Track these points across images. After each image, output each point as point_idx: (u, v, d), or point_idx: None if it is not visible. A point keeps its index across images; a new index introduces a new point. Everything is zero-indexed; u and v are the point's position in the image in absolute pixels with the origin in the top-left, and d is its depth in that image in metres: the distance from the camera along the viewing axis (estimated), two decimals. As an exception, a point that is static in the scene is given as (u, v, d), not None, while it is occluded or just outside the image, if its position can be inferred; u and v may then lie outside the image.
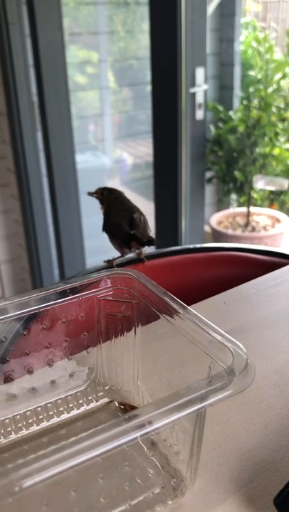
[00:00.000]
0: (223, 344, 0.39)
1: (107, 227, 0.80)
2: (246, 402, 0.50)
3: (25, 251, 2.26)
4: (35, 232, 2.15)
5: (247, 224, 2.59)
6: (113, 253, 0.83)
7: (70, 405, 0.50)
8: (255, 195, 2.57)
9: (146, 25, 2.24)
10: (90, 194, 0.82)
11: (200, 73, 1.55)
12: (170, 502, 0.40)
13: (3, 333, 0.46)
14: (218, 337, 0.39)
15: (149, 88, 2.30)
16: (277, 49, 2.53)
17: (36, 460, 0.29)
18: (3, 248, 2.30)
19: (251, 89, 2.39)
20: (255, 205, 2.62)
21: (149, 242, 0.78)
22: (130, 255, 0.83)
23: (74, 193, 2.04)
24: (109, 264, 0.81)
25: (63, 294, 0.48)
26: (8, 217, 2.25)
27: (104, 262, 0.82)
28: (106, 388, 0.52)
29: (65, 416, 0.49)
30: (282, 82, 2.37)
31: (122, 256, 0.81)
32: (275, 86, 2.38)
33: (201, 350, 0.40)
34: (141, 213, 0.80)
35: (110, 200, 0.81)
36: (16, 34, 1.85)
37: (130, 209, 0.80)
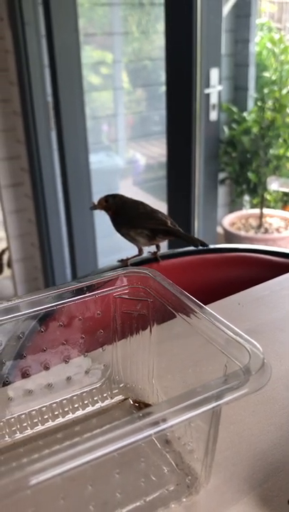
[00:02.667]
0: (240, 343, 0.39)
1: (127, 222, 0.78)
2: (261, 403, 0.50)
3: (38, 250, 2.27)
4: (48, 232, 2.16)
5: (260, 225, 2.58)
6: (125, 253, 0.83)
7: (85, 402, 0.50)
8: (268, 196, 2.56)
9: (160, 26, 2.24)
10: (94, 207, 0.79)
11: (214, 74, 1.55)
12: (184, 499, 0.40)
13: (21, 329, 0.47)
14: (235, 336, 0.39)
15: (162, 89, 2.31)
16: (293, 50, 2.51)
17: (51, 455, 0.29)
18: (17, 247, 2.32)
19: (266, 91, 2.38)
20: (268, 206, 2.61)
21: (202, 244, 0.75)
22: (145, 255, 0.83)
23: (87, 193, 2.05)
24: (123, 263, 0.81)
25: (80, 291, 0.48)
26: (22, 216, 2.27)
27: (118, 261, 0.82)
28: (121, 386, 0.52)
29: (80, 412, 0.50)
30: (297, 84, 2.36)
31: (140, 253, 0.81)
32: (289, 87, 2.37)
33: (217, 349, 0.40)
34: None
35: (116, 203, 0.79)
36: (31, 34, 1.87)
37: (137, 204, 0.80)
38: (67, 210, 2.04)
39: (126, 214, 0.79)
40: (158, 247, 0.83)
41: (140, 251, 0.81)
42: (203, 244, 0.75)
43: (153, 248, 0.83)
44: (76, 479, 0.35)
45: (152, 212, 0.78)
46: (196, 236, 1.62)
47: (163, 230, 0.77)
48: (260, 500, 0.40)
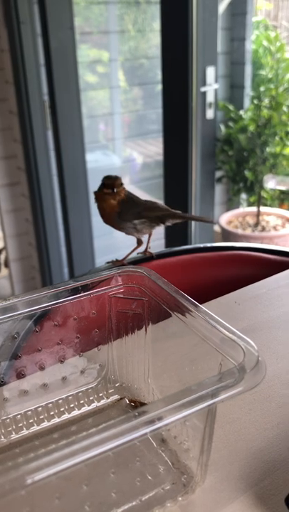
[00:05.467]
0: (235, 342, 0.38)
1: (136, 213, 0.74)
2: (257, 401, 0.50)
3: (36, 250, 2.27)
4: (45, 231, 2.15)
5: (257, 224, 2.58)
6: (123, 252, 0.83)
7: (81, 402, 0.50)
8: (265, 194, 2.56)
9: (156, 25, 2.24)
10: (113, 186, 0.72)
11: (211, 72, 1.55)
12: (180, 498, 0.40)
13: (16, 329, 0.46)
14: (230, 335, 0.39)
15: (159, 87, 2.30)
16: (289, 48, 2.51)
17: (46, 454, 0.29)
18: (14, 247, 2.32)
19: (262, 89, 2.38)
20: (265, 204, 2.61)
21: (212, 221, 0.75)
22: (139, 254, 0.82)
23: (84, 192, 2.05)
24: (119, 263, 0.80)
25: (75, 291, 0.48)
26: (19, 215, 2.27)
27: (107, 263, 0.79)
28: (116, 385, 0.52)
29: (75, 412, 0.49)
30: (294, 81, 2.36)
31: (140, 245, 0.78)
32: (286, 85, 2.37)
33: (212, 347, 0.40)
34: None
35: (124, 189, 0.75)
36: (27, 33, 1.86)
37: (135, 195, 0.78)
38: (64, 209, 2.04)
39: (134, 204, 0.75)
40: (150, 235, 0.79)
41: (140, 242, 0.78)
42: (213, 221, 0.75)
43: (143, 248, 0.81)
44: (72, 479, 0.35)
45: (153, 202, 0.77)
46: (192, 235, 1.62)
47: (171, 214, 0.75)
48: (256, 498, 0.40)
